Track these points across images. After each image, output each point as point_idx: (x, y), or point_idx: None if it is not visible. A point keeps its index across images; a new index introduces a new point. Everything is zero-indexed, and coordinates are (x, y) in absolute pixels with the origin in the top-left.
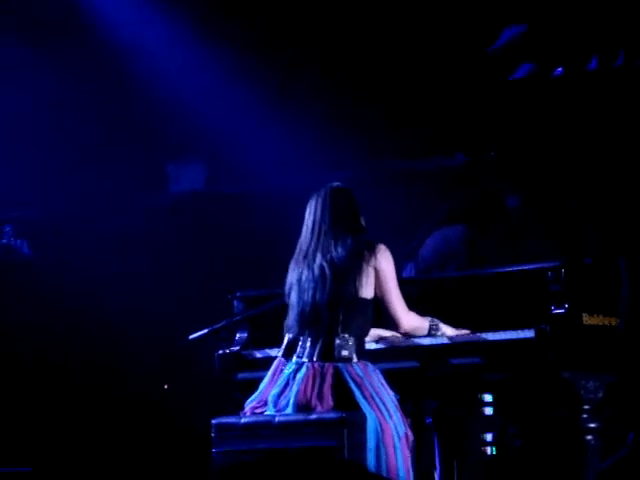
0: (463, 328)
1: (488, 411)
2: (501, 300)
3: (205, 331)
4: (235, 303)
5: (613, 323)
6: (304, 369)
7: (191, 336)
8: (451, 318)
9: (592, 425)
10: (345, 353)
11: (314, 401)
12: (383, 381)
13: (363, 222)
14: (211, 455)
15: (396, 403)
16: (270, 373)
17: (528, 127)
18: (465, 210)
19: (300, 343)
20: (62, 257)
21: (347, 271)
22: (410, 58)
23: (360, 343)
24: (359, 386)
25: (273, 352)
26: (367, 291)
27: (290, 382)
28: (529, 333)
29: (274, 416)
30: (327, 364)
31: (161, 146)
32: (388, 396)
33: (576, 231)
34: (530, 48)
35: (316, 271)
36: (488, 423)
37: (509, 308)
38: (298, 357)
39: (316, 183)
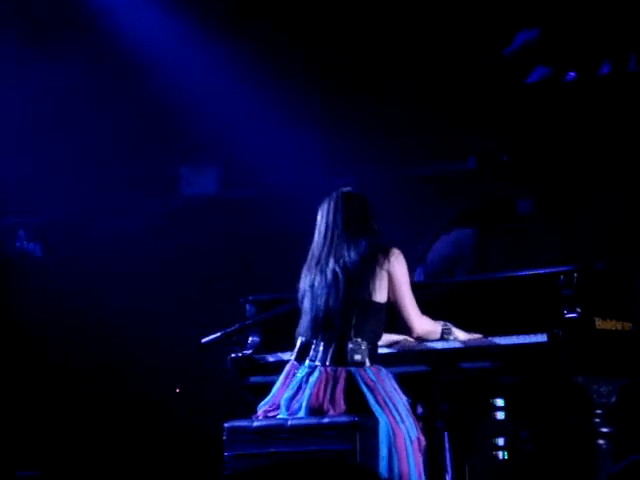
0: (475, 332)
1: (500, 415)
2: (513, 304)
3: (218, 335)
4: (247, 307)
5: (626, 328)
6: (317, 373)
7: (204, 340)
8: (463, 322)
9: (604, 429)
10: (358, 357)
11: (326, 405)
12: (396, 385)
13: (376, 226)
14: (223, 458)
15: (408, 407)
16: (283, 376)
17: (541, 131)
18: (474, 214)
19: (313, 347)
20: (75, 260)
21: (360, 275)
22: (425, 62)
23: (373, 347)
24: (372, 390)
25: (285, 356)
26: (380, 295)
27: (303, 386)
28: (542, 337)
29: (286, 420)
30: (340, 368)
31: (175, 148)
32: (400, 400)
33: (588, 235)
34: (543, 52)
35: (329, 276)
36: (500, 427)
37: (521, 312)
38: (311, 361)
39: (329, 187)
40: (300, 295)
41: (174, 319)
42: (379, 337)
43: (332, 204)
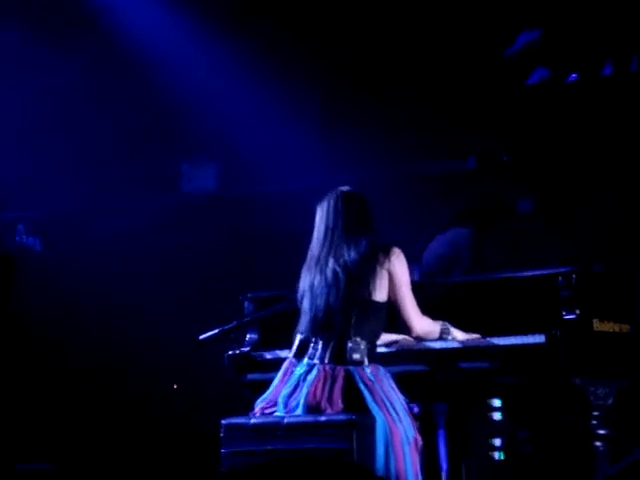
0: (474, 333)
1: (497, 416)
2: (512, 305)
3: (215, 332)
4: (246, 304)
5: (624, 330)
6: (315, 371)
7: (202, 336)
8: (462, 323)
9: (601, 431)
10: (357, 356)
11: (324, 403)
12: (394, 385)
13: (375, 226)
14: (220, 455)
15: (406, 407)
16: (281, 373)
17: (541, 131)
18: (471, 213)
19: (312, 345)
20: (75, 256)
21: (361, 274)
22: (426, 62)
23: (372, 347)
24: (370, 389)
25: (283, 353)
26: (380, 294)
27: (300, 384)
28: (540, 338)
29: (283, 417)
30: (338, 367)
31: (176, 146)
32: (398, 400)
33: (588, 236)
34: (545, 53)
35: (329, 276)
36: (497, 428)
37: (520, 313)
38: (309, 359)
39: (329, 185)
40: (299, 295)
41: (173, 316)
42: (378, 336)
43: (332, 203)
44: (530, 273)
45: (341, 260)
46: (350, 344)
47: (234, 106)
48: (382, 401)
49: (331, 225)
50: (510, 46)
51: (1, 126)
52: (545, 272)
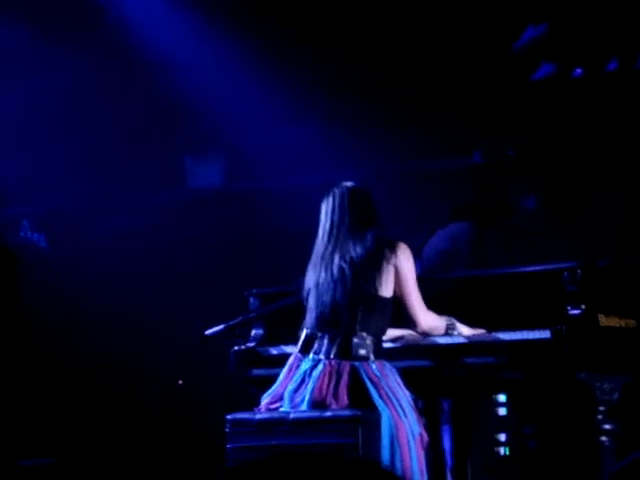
0: (479, 328)
1: (502, 411)
2: (517, 300)
3: (221, 327)
4: (251, 300)
5: (630, 325)
6: (321, 366)
7: (207, 332)
8: (467, 318)
9: (607, 426)
10: (362, 352)
11: (329, 399)
12: (399, 380)
13: (380, 221)
14: (225, 450)
15: (412, 403)
16: (286, 369)
17: (546, 128)
18: (470, 208)
19: (317, 340)
20: (79, 252)
21: (367, 270)
22: (430, 58)
23: (378, 342)
24: (375, 385)
25: (288, 349)
26: (386, 290)
27: (306, 379)
28: (545, 333)
29: (289, 413)
30: (344, 362)
31: (181, 141)
32: (404, 396)
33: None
34: (551, 48)
35: (335, 272)
36: (502, 423)
37: (525, 308)
38: (315, 354)
39: (332, 181)
40: (305, 292)
41: (178, 312)
42: (384, 332)
43: (337, 199)
44: (535, 268)
45: (347, 256)
46: (356, 340)
47: (239, 102)
48: (388, 397)
49: (337, 221)
50: (515, 41)
51: (3, 123)
52: (550, 267)
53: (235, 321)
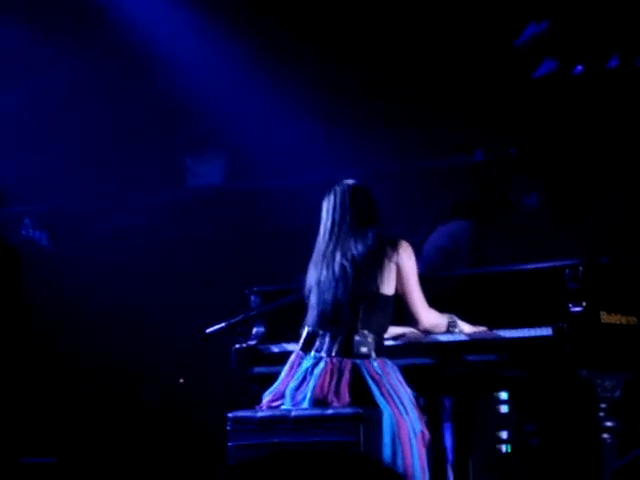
0: (481, 325)
1: (504, 409)
2: (519, 298)
3: (222, 325)
4: (252, 298)
5: (631, 322)
6: (322, 364)
7: (208, 330)
8: (469, 315)
9: (609, 424)
10: (364, 350)
11: (331, 397)
12: (401, 378)
13: (381, 219)
14: (227, 448)
15: (413, 401)
16: (288, 366)
17: (548, 126)
18: (471, 206)
19: (319, 338)
20: (78, 251)
21: (369, 267)
22: (431, 57)
23: (379, 340)
24: (377, 383)
25: (290, 346)
26: (388, 287)
27: (308, 377)
28: (547, 331)
29: (290, 410)
30: (345, 360)
31: (182, 140)
32: (405, 393)
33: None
34: (552, 45)
35: (337, 270)
36: (504, 420)
37: (527, 306)
38: (317, 352)
39: (333, 179)
40: (307, 291)
41: (179, 311)
42: (386, 330)
43: (338, 197)
44: (537, 265)
45: (349, 254)
46: (357, 337)
47: (239, 102)
48: (389, 394)
49: (338, 219)
50: (517, 38)
51: (4, 123)
52: (552, 264)
53: (236, 319)
